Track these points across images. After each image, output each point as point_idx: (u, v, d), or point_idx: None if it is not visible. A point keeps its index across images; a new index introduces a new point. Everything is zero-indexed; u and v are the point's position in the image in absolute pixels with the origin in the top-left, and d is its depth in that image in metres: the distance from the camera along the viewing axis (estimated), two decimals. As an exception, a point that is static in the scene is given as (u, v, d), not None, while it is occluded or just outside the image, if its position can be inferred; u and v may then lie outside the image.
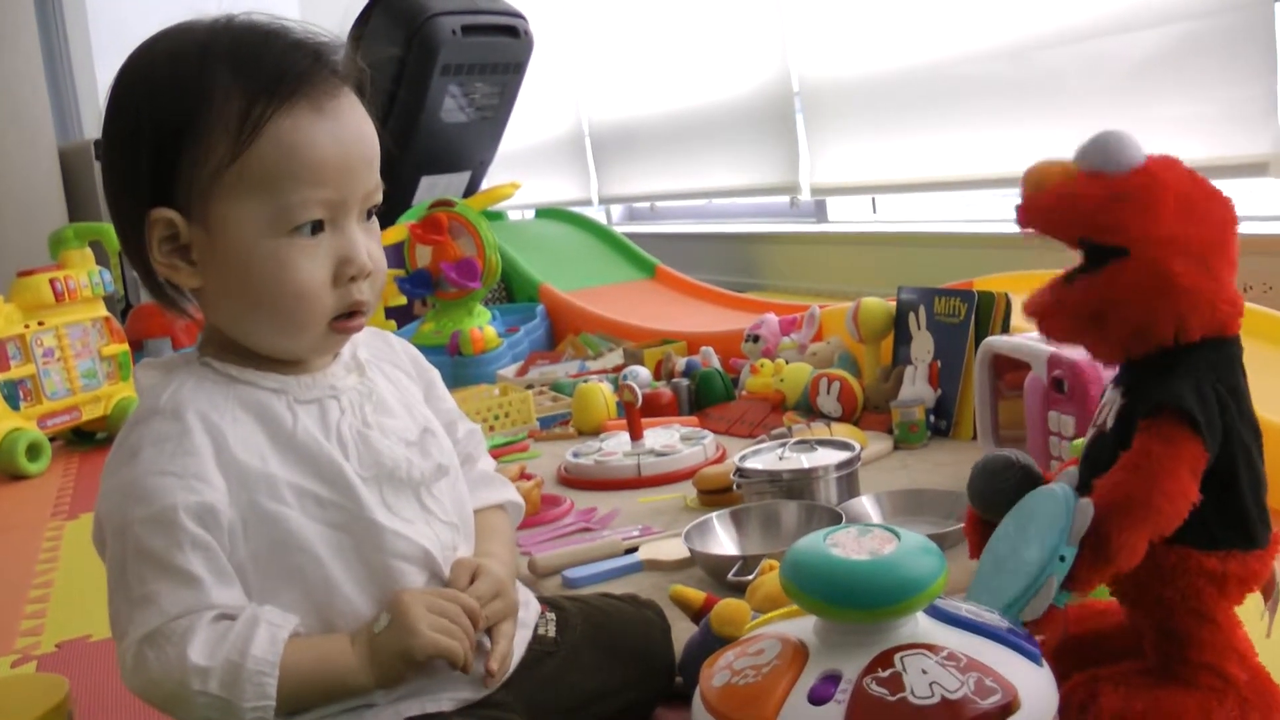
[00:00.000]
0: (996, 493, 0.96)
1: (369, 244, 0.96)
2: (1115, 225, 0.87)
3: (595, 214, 4.65)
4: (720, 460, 2.00)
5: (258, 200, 0.90)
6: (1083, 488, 0.91)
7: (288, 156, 0.89)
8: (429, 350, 3.00)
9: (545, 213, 4.30)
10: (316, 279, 0.92)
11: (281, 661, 0.87)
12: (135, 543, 0.87)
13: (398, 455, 0.98)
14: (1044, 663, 0.85)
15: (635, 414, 2.05)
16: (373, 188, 0.95)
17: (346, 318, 0.96)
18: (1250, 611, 0.91)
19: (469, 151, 4.01)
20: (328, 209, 0.92)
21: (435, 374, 1.14)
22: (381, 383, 1.04)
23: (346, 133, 0.92)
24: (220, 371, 0.95)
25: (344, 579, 0.93)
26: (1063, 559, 0.85)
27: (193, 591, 0.87)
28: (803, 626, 0.88)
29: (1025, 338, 1.62)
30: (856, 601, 0.81)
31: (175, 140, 0.90)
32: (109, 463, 0.92)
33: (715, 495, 1.75)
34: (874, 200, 3.65)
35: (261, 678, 0.86)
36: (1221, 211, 0.90)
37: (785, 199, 3.84)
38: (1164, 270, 0.86)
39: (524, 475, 1.90)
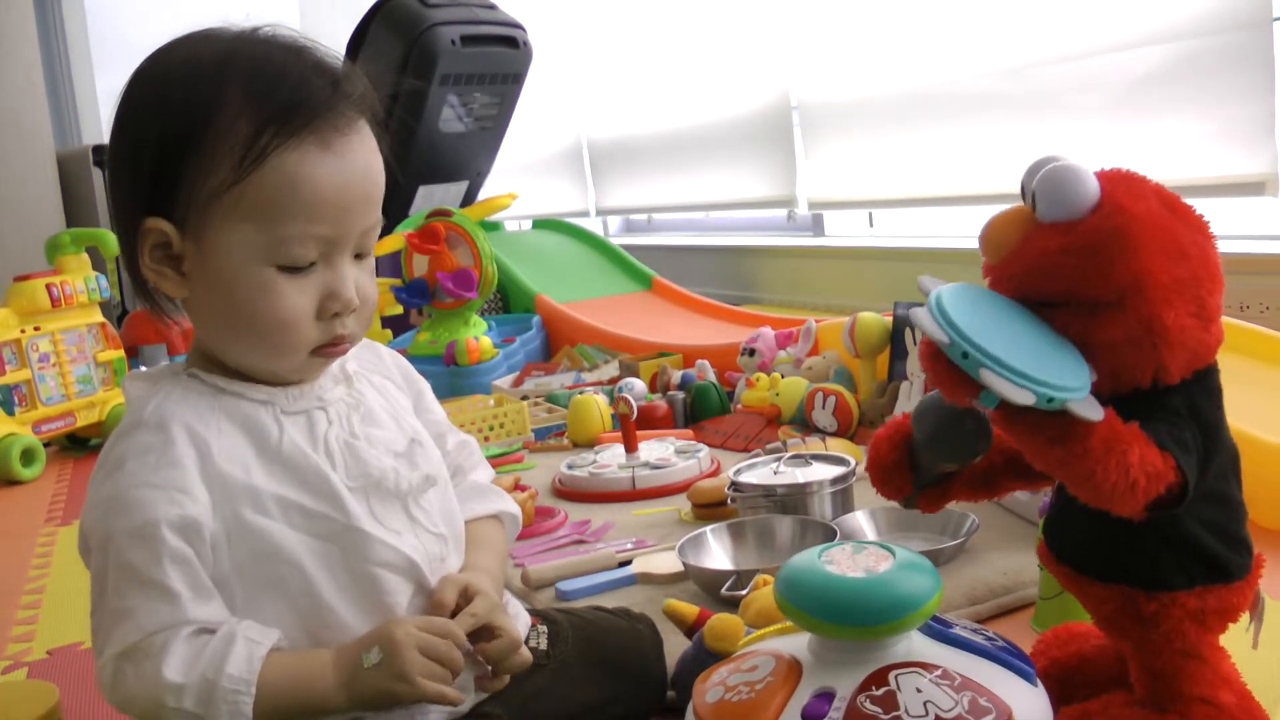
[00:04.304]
0: (963, 437, 0.88)
1: (360, 277, 0.95)
2: (1097, 280, 0.83)
3: (592, 225, 4.65)
4: (715, 474, 2.00)
5: (252, 227, 0.89)
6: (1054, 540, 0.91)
7: (287, 190, 0.89)
8: (424, 360, 3.01)
9: (542, 223, 4.30)
10: (300, 310, 0.92)
11: (258, 679, 0.86)
12: (116, 556, 0.87)
13: (385, 466, 0.98)
14: (1038, 682, 0.85)
15: (630, 426, 2.05)
16: (371, 225, 0.95)
17: (330, 345, 0.96)
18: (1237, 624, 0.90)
19: (467, 161, 4.01)
20: (321, 245, 0.92)
21: (425, 385, 1.14)
22: (370, 394, 1.03)
23: (351, 171, 0.92)
24: (207, 383, 0.95)
25: (329, 589, 0.93)
26: (1051, 400, 0.77)
27: (170, 606, 0.87)
28: (797, 643, 0.88)
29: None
30: (851, 619, 0.81)
31: (179, 153, 0.89)
32: (94, 474, 0.92)
33: (710, 509, 1.75)
34: (871, 215, 3.65)
35: (237, 696, 0.85)
36: (1199, 236, 0.85)
37: (782, 213, 3.84)
38: (1157, 322, 0.82)
39: (518, 487, 1.90)
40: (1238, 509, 0.88)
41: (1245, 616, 0.89)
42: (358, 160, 0.92)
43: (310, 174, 0.89)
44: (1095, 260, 0.82)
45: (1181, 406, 0.84)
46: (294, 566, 0.91)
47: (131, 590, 0.87)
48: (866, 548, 0.88)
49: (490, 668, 0.98)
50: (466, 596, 0.98)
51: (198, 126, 0.89)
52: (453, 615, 0.96)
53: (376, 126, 0.96)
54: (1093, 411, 0.78)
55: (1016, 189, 0.87)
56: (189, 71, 0.92)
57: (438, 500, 1.03)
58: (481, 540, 1.10)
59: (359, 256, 0.96)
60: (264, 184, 0.88)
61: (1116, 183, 0.85)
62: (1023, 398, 0.76)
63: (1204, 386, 0.86)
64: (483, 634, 0.97)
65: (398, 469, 0.99)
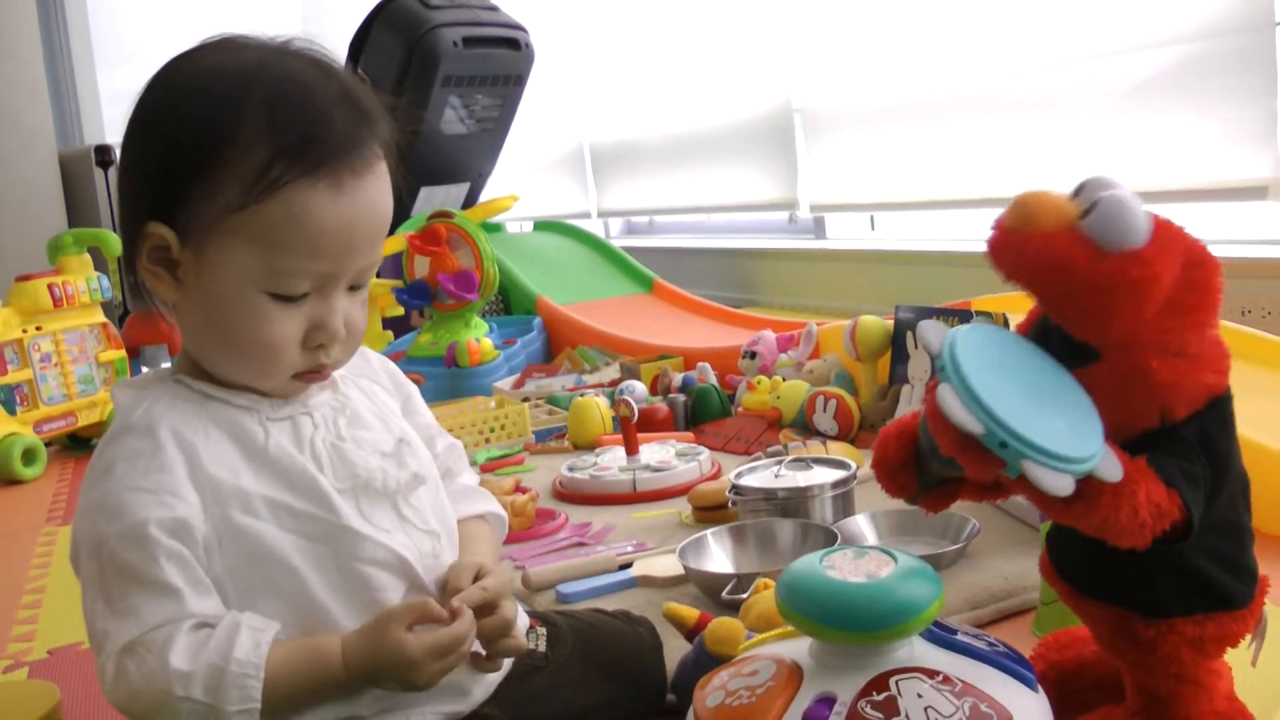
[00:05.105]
0: None
1: (350, 309, 0.95)
2: (1092, 316, 0.82)
3: (594, 227, 4.66)
4: (716, 477, 2.00)
5: (252, 253, 0.89)
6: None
7: (292, 225, 0.89)
8: (425, 361, 3.01)
9: (544, 225, 4.31)
10: (286, 337, 0.92)
11: (266, 664, 0.86)
12: (111, 558, 0.87)
13: (372, 466, 0.98)
14: (1039, 688, 0.85)
15: (631, 429, 2.05)
16: (371, 263, 0.95)
17: (312, 371, 0.96)
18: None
19: (468, 163, 4.01)
20: (317, 279, 0.92)
21: (413, 389, 1.14)
22: (356, 397, 1.03)
23: (359, 213, 0.91)
24: (194, 389, 0.95)
25: (321, 589, 0.93)
26: (1082, 473, 0.76)
27: (172, 602, 0.86)
28: (798, 648, 0.88)
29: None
30: (852, 624, 0.81)
31: (191, 166, 0.89)
32: (85, 480, 0.92)
33: (710, 512, 1.75)
34: (872, 218, 3.66)
35: (246, 680, 0.85)
36: (1207, 280, 0.84)
37: (784, 215, 3.85)
38: (1139, 369, 0.81)
39: (519, 489, 1.90)
40: (1245, 536, 0.87)
41: (1247, 637, 0.89)
42: (368, 201, 0.92)
43: (318, 213, 0.89)
44: (1100, 296, 0.81)
45: (1193, 437, 0.83)
46: (285, 567, 0.91)
47: (131, 590, 0.87)
48: (868, 553, 0.88)
49: (485, 651, 0.99)
50: (478, 576, 0.99)
51: (213, 144, 0.88)
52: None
53: (393, 158, 0.95)
54: (1113, 471, 0.76)
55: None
56: (213, 85, 0.91)
57: (429, 498, 1.03)
58: (475, 537, 1.11)
59: (353, 288, 0.96)
60: (270, 215, 0.88)
61: (1163, 236, 0.82)
62: (1063, 487, 0.74)
63: (1218, 415, 0.85)
64: (485, 610, 0.97)
65: (385, 469, 0.99)
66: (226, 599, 0.90)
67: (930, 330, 0.83)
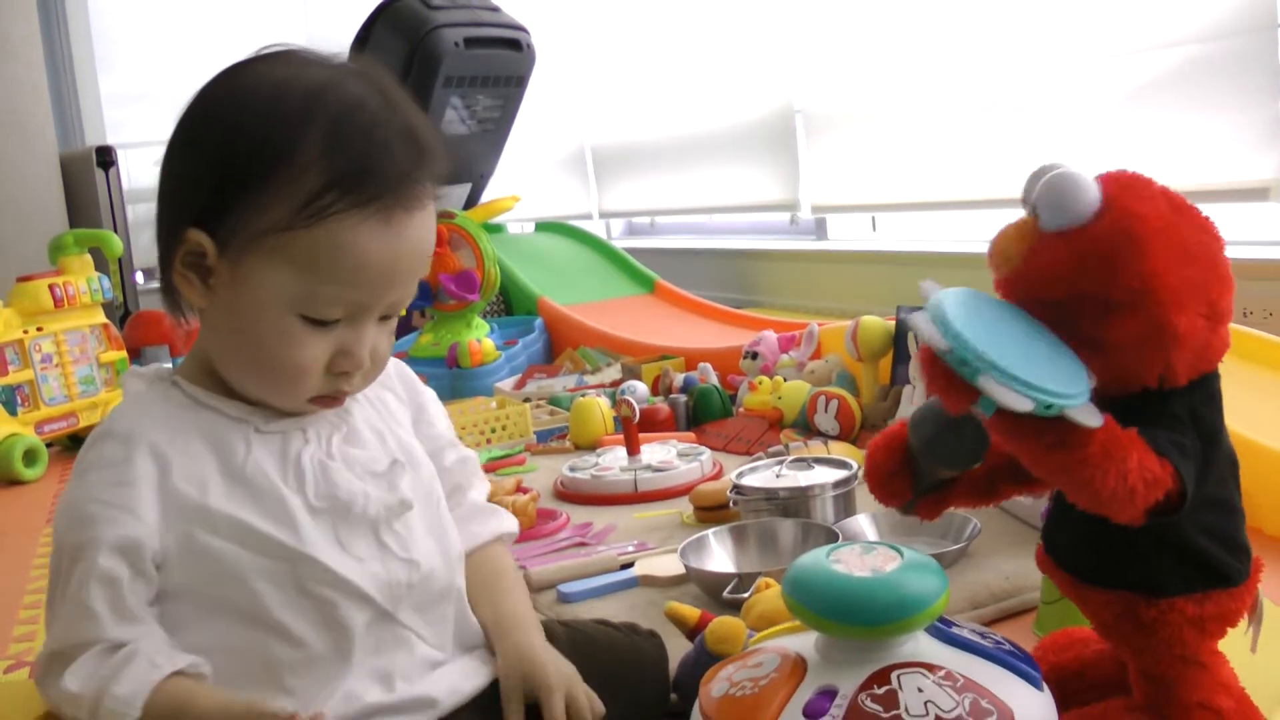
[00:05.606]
0: (961, 443, 0.88)
1: (378, 338, 0.96)
2: (1107, 282, 0.81)
3: (595, 228, 4.66)
4: (717, 477, 2.00)
5: (290, 274, 0.89)
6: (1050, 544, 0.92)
7: (336, 254, 0.89)
8: (426, 362, 3.01)
9: (545, 226, 4.31)
10: (312, 361, 0.92)
11: (148, 702, 0.85)
12: (61, 565, 0.89)
13: (355, 490, 0.96)
14: (1044, 687, 0.85)
15: (632, 429, 2.05)
16: (406, 296, 0.95)
17: (330, 397, 0.96)
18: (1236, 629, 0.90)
19: (469, 164, 4.01)
20: (351, 308, 0.92)
21: (428, 398, 1.13)
22: (358, 410, 1.03)
23: (405, 250, 0.92)
24: (188, 394, 0.95)
25: (281, 607, 0.92)
26: (1050, 406, 0.76)
27: (90, 624, 0.87)
28: (803, 642, 0.88)
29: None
30: (857, 618, 0.82)
31: (241, 181, 0.89)
32: (70, 476, 0.93)
33: (712, 512, 1.75)
34: (874, 219, 3.66)
35: (120, 716, 0.84)
36: (1207, 238, 0.84)
37: (785, 216, 3.84)
38: (1169, 324, 0.81)
39: (520, 489, 1.90)
40: (1237, 514, 0.88)
41: (1244, 621, 0.89)
42: (414, 238, 0.92)
43: (364, 246, 0.89)
44: (1103, 264, 0.81)
45: (1183, 412, 0.84)
46: (244, 588, 0.91)
47: (62, 600, 0.89)
48: (875, 548, 0.88)
49: None
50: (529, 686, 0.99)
51: (269, 161, 0.88)
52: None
53: (442, 190, 0.96)
54: (1091, 418, 0.77)
55: (1019, 193, 0.87)
56: (274, 103, 0.90)
57: (420, 523, 1.01)
58: (499, 570, 1.10)
59: (384, 318, 0.96)
60: (315, 240, 0.88)
61: (1121, 186, 0.84)
62: (1020, 404, 0.75)
63: (1206, 392, 0.86)
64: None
65: (369, 493, 0.97)
66: (185, 612, 0.91)
67: (931, 285, 0.84)
